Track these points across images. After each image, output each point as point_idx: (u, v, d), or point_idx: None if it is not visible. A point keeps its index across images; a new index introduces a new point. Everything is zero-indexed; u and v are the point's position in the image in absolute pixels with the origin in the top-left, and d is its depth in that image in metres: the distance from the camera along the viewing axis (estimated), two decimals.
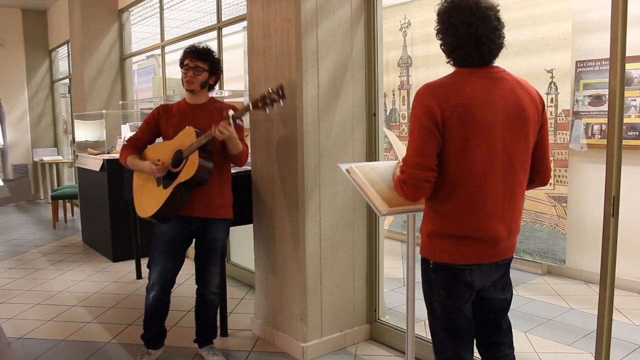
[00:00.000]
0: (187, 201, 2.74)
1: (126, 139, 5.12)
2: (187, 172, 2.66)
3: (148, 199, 2.82)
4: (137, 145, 2.94)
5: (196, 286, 2.98)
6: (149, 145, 2.97)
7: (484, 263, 1.81)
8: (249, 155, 3.36)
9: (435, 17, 1.80)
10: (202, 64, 2.80)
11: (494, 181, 1.74)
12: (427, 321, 1.96)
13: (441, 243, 1.80)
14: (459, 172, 1.73)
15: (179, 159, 2.72)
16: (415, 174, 1.72)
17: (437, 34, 1.81)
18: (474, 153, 1.71)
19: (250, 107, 2.63)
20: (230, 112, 2.62)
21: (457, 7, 1.72)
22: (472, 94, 1.70)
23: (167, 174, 2.75)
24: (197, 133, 2.67)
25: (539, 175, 1.89)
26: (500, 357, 1.97)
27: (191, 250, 2.97)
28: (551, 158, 4.21)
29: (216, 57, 2.89)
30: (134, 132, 4.95)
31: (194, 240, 2.94)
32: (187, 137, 2.71)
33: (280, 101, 2.58)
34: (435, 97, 1.71)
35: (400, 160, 1.94)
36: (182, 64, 2.83)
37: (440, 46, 1.81)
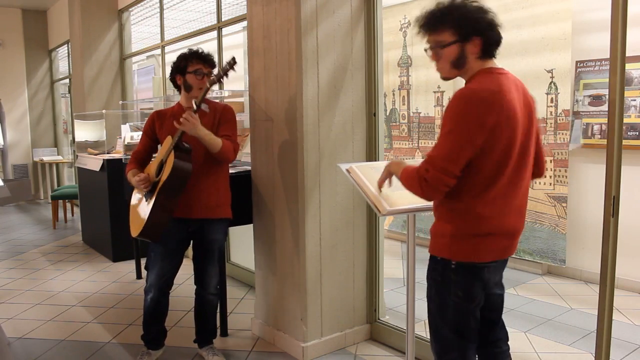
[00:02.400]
0: (183, 203, 2.72)
1: (126, 139, 5.16)
2: (165, 173, 2.65)
3: (138, 217, 2.82)
4: (139, 158, 2.92)
5: (195, 286, 2.99)
6: (154, 155, 2.97)
7: (500, 259, 1.85)
8: (248, 155, 3.37)
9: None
10: (213, 70, 2.83)
11: (520, 177, 1.79)
12: (427, 321, 1.96)
13: (468, 242, 1.79)
14: (494, 172, 1.74)
15: (160, 167, 2.73)
16: (439, 178, 1.69)
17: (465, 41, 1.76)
18: (510, 153, 1.73)
19: (208, 85, 2.62)
20: (194, 100, 2.63)
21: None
22: (510, 96, 1.71)
23: (153, 185, 2.74)
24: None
25: (538, 167, 1.94)
26: (497, 353, 2.00)
27: (190, 251, 2.97)
28: (551, 158, 4.23)
29: None
30: (135, 131, 4.94)
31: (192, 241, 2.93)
32: (165, 146, 2.72)
33: (234, 66, 2.60)
34: (489, 105, 1.67)
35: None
36: (187, 69, 2.77)
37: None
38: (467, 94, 1.70)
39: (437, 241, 1.85)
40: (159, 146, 2.93)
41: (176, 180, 2.63)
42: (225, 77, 2.64)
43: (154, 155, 2.98)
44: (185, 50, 2.86)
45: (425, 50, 1.84)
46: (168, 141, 2.70)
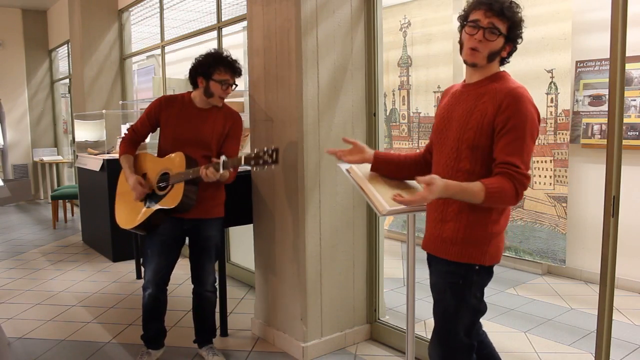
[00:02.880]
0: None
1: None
2: (170, 200, 2.66)
3: (128, 212, 2.83)
4: (136, 139, 2.92)
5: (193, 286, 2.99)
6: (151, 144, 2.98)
7: None
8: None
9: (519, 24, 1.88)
10: (237, 77, 2.82)
11: None
12: (427, 321, 1.96)
13: (496, 244, 1.83)
14: None
15: (164, 181, 2.73)
16: (528, 184, 1.74)
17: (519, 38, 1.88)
18: None
19: (242, 161, 2.52)
20: (223, 158, 2.53)
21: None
22: None
23: (151, 193, 2.76)
24: (187, 163, 2.65)
25: None
26: (480, 341, 2.04)
27: (187, 250, 2.98)
28: (551, 158, 4.23)
29: None
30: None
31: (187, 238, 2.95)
32: (176, 162, 2.70)
33: (272, 165, 2.45)
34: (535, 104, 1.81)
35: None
36: (212, 76, 2.72)
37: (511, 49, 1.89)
38: (525, 94, 1.77)
39: (464, 248, 1.82)
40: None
41: (181, 209, 2.69)
42: (260, 166, 2.46)
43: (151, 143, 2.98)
44: (213, 50, 2.81)
45: (472, 22, 1.81)
46: (180, 161, 2.67)
